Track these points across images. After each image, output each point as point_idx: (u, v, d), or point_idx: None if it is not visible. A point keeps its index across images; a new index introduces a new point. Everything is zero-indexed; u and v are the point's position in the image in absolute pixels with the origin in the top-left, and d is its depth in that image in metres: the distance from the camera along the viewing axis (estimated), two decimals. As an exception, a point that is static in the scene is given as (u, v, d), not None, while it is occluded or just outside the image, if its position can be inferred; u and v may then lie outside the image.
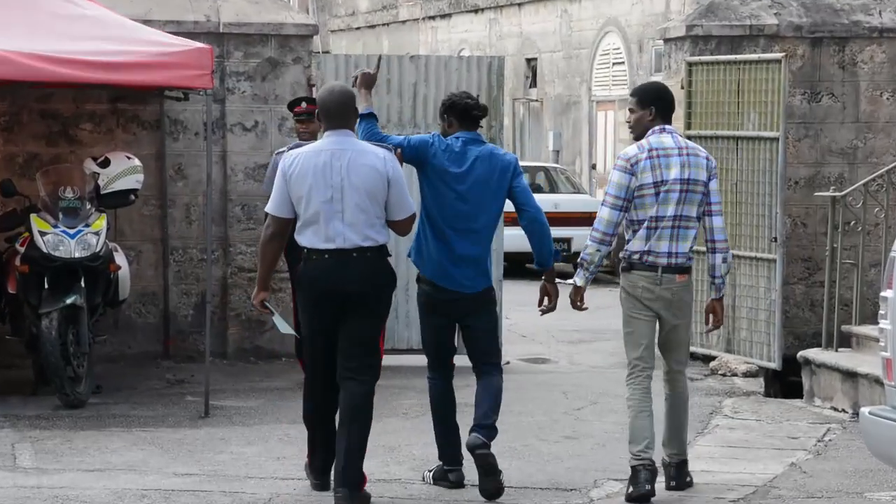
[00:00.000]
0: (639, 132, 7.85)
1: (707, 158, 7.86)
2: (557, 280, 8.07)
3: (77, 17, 10.08)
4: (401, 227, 7.46)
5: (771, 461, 8.73)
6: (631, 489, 7.65)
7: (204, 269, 11.45)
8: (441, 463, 8.03)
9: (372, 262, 7.29)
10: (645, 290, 7.73)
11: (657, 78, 19.66)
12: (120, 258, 10.69)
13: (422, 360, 11.59)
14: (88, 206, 10.38)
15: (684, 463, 7.94)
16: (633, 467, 7.67)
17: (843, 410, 10.21)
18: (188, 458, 8.57)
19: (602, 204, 7.81)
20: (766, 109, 11.58)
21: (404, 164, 7.66)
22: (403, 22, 30.69)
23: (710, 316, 7.99)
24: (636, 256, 7.74)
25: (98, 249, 10.17)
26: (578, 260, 7.87)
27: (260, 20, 12.00)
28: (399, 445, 8.94)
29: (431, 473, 8.08)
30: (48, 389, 10.03)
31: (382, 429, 9.40)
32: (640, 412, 7.71)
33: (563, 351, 12.97)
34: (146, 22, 11.28)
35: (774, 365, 11.47)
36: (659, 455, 7.89)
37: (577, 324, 13.28)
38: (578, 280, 7.83)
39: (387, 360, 11.90)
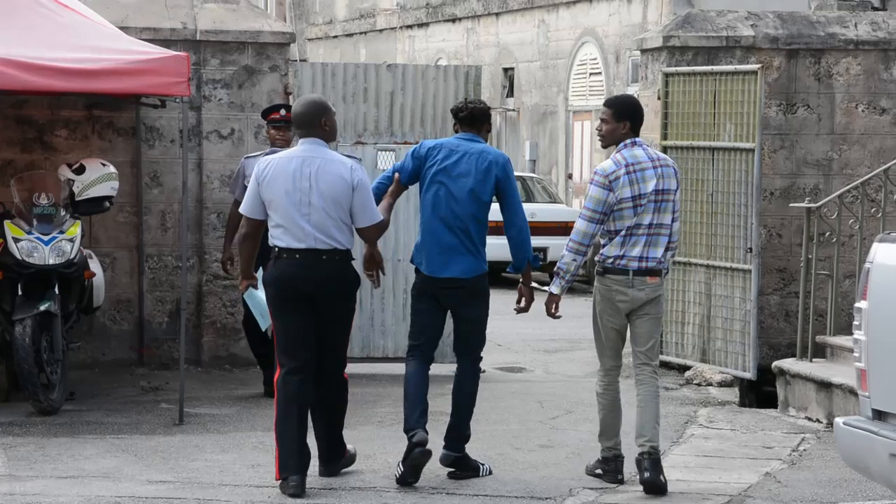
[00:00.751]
0: (609, 143, 8.16)
1: (674, 168, 8.19)
2: (535, 287, 8.31)
3: (53, 23, 10.05)
4: (366, 234, 7.95)
5: (746, 470, 8.76)
6: (601, 472, 8.33)
7: (179, 276, 11.43)
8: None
9: (338, 264, 7.83)
10: (618, 293, 8.09)
11: (634, 88, 19.74)
12: (94, 265, 10.67)
13: (396, 368, 11.63)
14: (63, 213, 10.36)
15: (657, 454, 8.09)
16: (605, 457, 8.32)
17: (818, 420, 10.25)
18: (162, 466, 8.56)
19: (580, 216, 8.10)
20: (742, 120, 11.63)
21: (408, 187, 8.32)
22: (381, 31, 30.71)
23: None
24: (610, 261, 8.09)
25: (72, 256, 10.15)
26: (555, 269, 8.16)
27: (237, 28, 12.00)
28: (374, 454, 8.94)
29: (399, 462, 8.23)
30: (21, 396, 10.01)
31: (357, 437, 9.40)
32: (611, 409, 8.24)
33: (539, 360, 12.99)
34: (123, 29, 11.25)
35: (749, 375, 11.51)
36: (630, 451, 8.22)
37: (553, 333, 13.30)
38: (554, 288, 8.14)
39: (362, 368, 12.02)
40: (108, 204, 10.79)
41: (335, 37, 33.26)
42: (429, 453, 8.11)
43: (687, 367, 11.99)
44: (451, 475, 8.33)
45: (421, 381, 8.29)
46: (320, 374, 7.99)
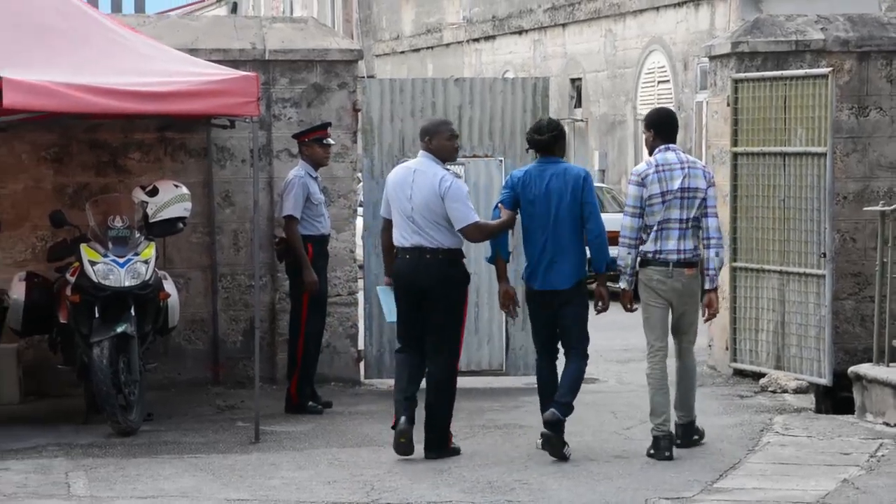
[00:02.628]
0: (650, 151, 9.46)
1: (704, 169, 9.39)
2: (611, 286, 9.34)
3: (124, 49, 10.19)
4: (464, 235, 9.07)
5: (823, 477, 8.71)
6: (653, 452, 9.15)
7: (252, 295, 11.52)
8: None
9: (441, 262, 8.97)
10: (659, 283, 9.22)
11: (703, 95, 19.66)
12: (169, 286, 10.78)
13: (467, 382, 11.61)
14: (137, 235, 10.48)
15: (691, 423, 9.43)
16: (655, 437, 9.16)
17: (896, 426, 10.18)
18: (240, 484, 8.64)
19: (624, 214, 9.34)
20: (814, 125, 11.57)
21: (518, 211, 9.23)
22: (447, 45, 30.78)
23: (708, 307, 9.31)
24: (650, 255, 9.23)
25: (147, 278, 10.27)
26: (617, 267, 9.24)
27: (305, 46, 12.09)
28: (449, 468, 8.97)
29: (539, 442, 9.16)
30: (100, 418, 10.12)
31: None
32: (658, 389, 9.20)
33: (612, 370, 12.96)
34: (193, 51, 11.40)
35: (825, 381, 11.43)
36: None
37: (626, 343, 13.28)
38: (623, 284, 9.28)
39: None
40: (181, 225, 10.91)
41: (402, 52, 33.37)
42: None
43: (762, 375, 11.93)
44: (542, 444, 9.07)
45: (549, 384, 9.28)
46: (428, 358, 9.07)
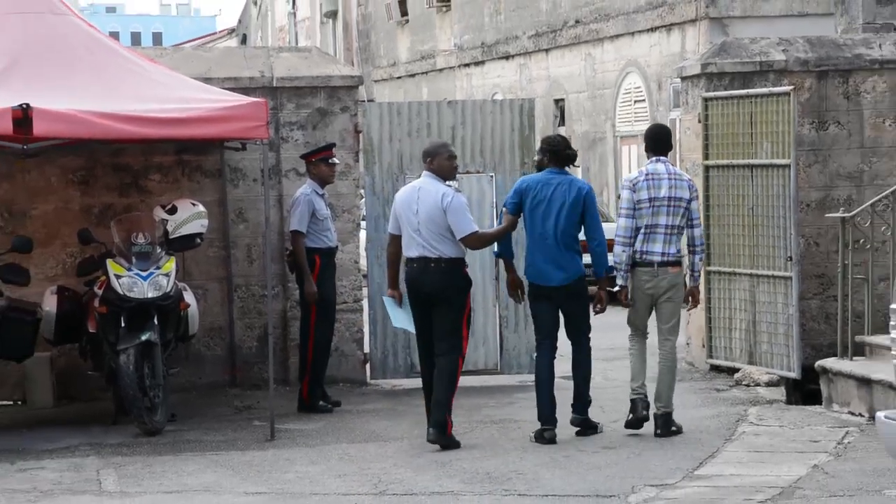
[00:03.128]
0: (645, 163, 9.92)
1: (689, 182, 9.79)
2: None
3: (143, 78, 10.18)
4: (466, 244, 9.33)
5: (795, 464, 8.69)
6: (630, 416, 9.55)
7: (265, 304, 11.49)
8: (539, 424, 9.40)
9: (444, 270, 9.21)
10: (645, 281, 9.60)
11: (676, 113, 19.65)
12: (189, 297, 10.75)
13: (466, 380, 11.59)
14: (159, 251, 10.46)
15: (669, 415, 9.57)
16: (632, 400, 9.56)
17: (860, 415, 10.15)
18: (257, 478, 8.61)
19: (618, 216, 9.76)
20: (778, 139, 11.55)
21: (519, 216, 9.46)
22: (440, 70, 30.79)
23: (691, 298, 9.84)
24: (637, 255, 9.61)
25: (169, 290, 10.24)
26: (613, 265, 9.53)
27: (310, 73, 12.07)
28: (450, 460, 8.94)
29: (532, 435, 9.37)
30: (128, 419, 10.10)
31: (434, 445, 9.41)
32: (637, 357, 9.66)
33: (599, 367, 12.84)
34: (207, 79, 11.37)
35: (794, 374, 11.40)
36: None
37: (612, 343, 13.23)
38: (619, 280, 9.64)
39: (418, 382, 11.99)
40: (198, 240, 10.88)
41: (399, 77, 33.37)
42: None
43: (736, 370, 11.91)
44: (578, 433, 9.49)
45: (547, 374, 9.47)
46: (436, 355, 9.26)
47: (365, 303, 12.08)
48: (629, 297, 9.63)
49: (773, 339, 11.64)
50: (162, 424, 10.05)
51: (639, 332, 9.75)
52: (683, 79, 13.00)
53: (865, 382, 10.15)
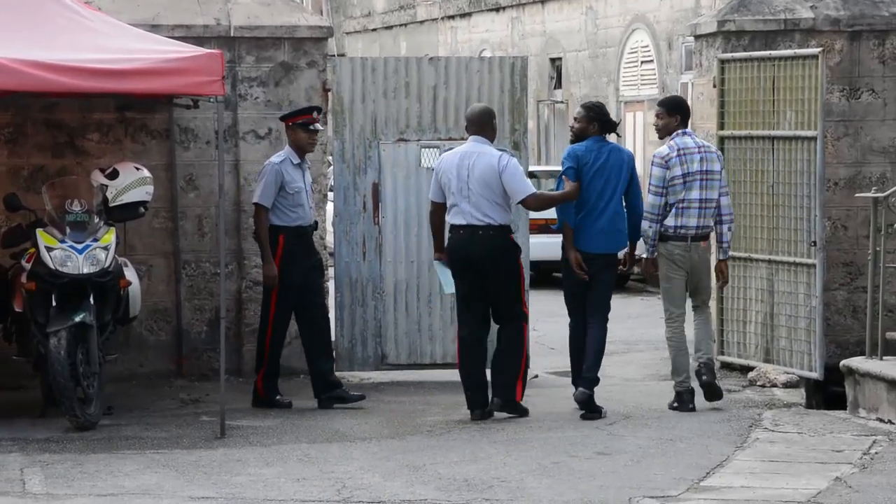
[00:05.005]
0: (664, 135, 10.73)
1: (717, 153, 10.77)
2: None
3: (80, 26, 10.12)
4: (527, 205, 10.36)
5: (814, 476, 8.72)
6: (677, 405, 10.51)
7: (217, 283, 11.47)
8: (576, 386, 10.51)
9: (493, 237, 10.11)
10: (679, 256, 10.51)
11: (688, 76, 19.67)
12: (130, 273, 10.72)
13: (445, 374, 11.63)
14: (97, 220, 10.42)
15: (711, 361, 10.66)
16: (678, 392, 10.53)
17: (890, 421, 10.19)
18: (204, 481, 8.60)
19: (648, 193, 10.52)
20: (803, 107, 11.57)
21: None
22: (421, 22, 30.75)
23: (720, 274, 10.86)
24: (670, 230, 10.52)
25: (107, 265, 10.21)
26: (641, 238, 10.54)
27: (272, 23, 12.03)
28: (424, 465, 8.95)
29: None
30: (57, 411, 10.07)
31: (406, 447, 9.43)
32: (679, 350, 10.54)
33: (594, 363, 12.94)
34: (154, 27, 11.33)
35: (816, 375, 11.44)
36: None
37: (610, 335, 13.26)
38: (645, 253, 10.64)
39: (409, 375, 12.03)
40: (142, 209, 10.85)
41: (374, 30, 33.32)
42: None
43: (750, 368, 11.94)
44: (582, 416, 10.25)
45: (579, 341, 10.56)
46: (497, 323, 10.26)
47: (331, 285, 12.06)
48: (653, 269, 10.62)
49: (793, 335, 11.67)
50: (96, 418, 10.03)
51: (676, 314, 10.56)
52: (697, 37, 13.01)
53: (896, 385, 10.19)
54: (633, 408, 10.74)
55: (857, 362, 10.85)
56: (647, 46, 22.89)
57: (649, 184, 10.53)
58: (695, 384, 10.60)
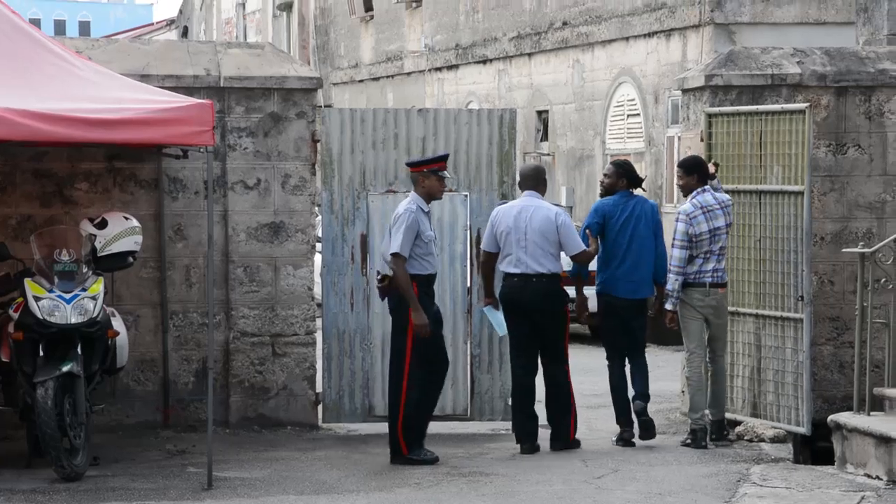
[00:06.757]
0: (686, 193, 11.47)
1: (730, 204, 11.48)
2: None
3: (72, 76, 10.15)
4: (577, 259, 11.21)
5: (803, 531, 8.70)
6: (690, 442, 11.17)
7: (205, 333, 11.46)
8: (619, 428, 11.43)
9: (545, 284, 10.92)
10: (698, 300, 11.27)
11: (674, 130, 19.74)
12: (118, 323, 10.71)
13: (431, 426, 11.59)
14: (85, 270, 10.41)
15: (723, 421, 11.42)
16: (693, 430, 11.18)
17: (878, 477, 10.18)
18: (191, 533, 8.56)
19: (673, 247, 11.24)
20: (790, 162, 11.61)
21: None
22: (409, 74, 30.85)
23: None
24: (692, 277, 11.27)
25: (95, 315, 10.19)
26: (665, 292, 11.28)
27: (262, 73, 12.06)
28: (412, 518, 8.92)
29: (614, 439, 11.33)
30: (44, 462, 10.03)
31: (394, 500, 9.39)
32: (697, 389, 11.26)
33: (582, 416, 12.90)
34: (144, 77, 11.35)
35: (804, 430, 11.44)
36: None
37: (595, 388, 13.25)
38: (668, 306, 11.29)
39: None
40: (131, 259, 10.85)
41: (361, 81, 33.42)
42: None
43: (737, 423, 11.92)
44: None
45: (623, 381, 11.45)
46: (544, 368, 11.07)
47: (319, 336, 12.05)
48: (672, 323, 11.31)
49: (781, 390, 11.67)
50: (83, 469, 9.99)
51: (696, 354, 11.30)
52: (684, 91, 13.07)
53: (885, 441, 10.18)
54: (621, 461, 10.71)
55: (844, 418, 10.85)
56: (633, 100, 22.99)
57: (674, 238, 11.19)
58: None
